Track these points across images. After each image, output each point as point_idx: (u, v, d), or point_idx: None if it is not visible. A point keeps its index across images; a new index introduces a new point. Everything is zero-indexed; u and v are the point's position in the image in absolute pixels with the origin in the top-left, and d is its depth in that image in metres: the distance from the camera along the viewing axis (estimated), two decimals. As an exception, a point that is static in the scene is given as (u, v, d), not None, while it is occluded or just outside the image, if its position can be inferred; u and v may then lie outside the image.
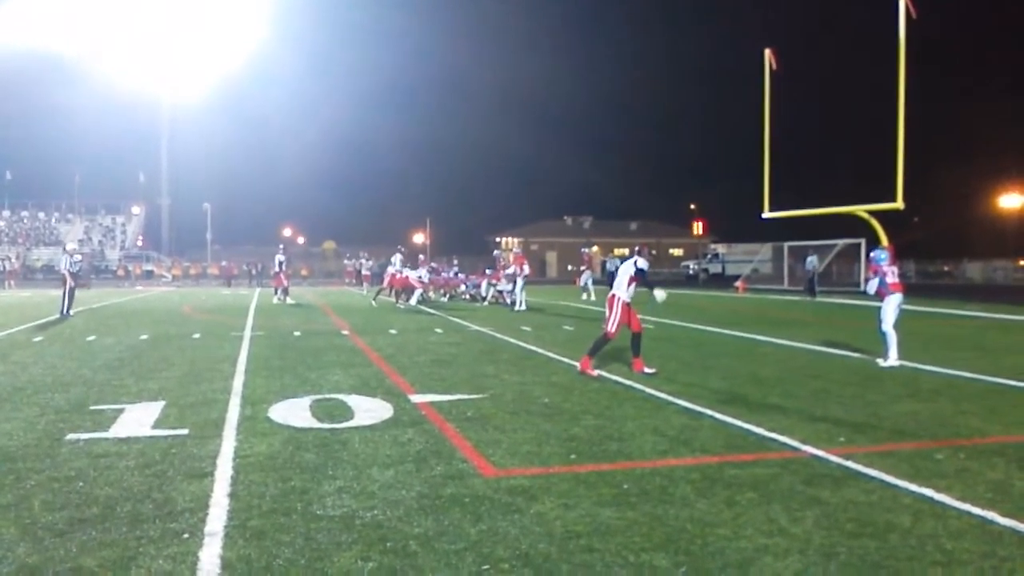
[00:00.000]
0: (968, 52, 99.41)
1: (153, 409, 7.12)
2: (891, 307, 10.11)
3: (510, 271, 22.29)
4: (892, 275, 10.25)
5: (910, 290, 12.83)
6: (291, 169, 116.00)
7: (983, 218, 66.26)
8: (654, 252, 9.95)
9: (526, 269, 21.93)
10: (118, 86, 61.75)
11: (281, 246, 28.60)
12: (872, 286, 10.34)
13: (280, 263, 24.88)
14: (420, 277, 22.45)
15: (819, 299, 27.37)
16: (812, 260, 30.16)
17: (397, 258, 24.46)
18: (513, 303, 21.69)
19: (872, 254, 10.67)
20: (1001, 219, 64.25)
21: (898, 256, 10.45)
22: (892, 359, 9.97)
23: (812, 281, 29.35)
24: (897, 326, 10.11)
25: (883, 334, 10.11)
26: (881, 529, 4.08)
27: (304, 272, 55.51)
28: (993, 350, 11.90)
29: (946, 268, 55.26)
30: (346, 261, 49.13)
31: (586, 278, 27.46)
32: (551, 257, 73.33)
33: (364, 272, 33.36)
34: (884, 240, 14.12)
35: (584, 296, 26.03)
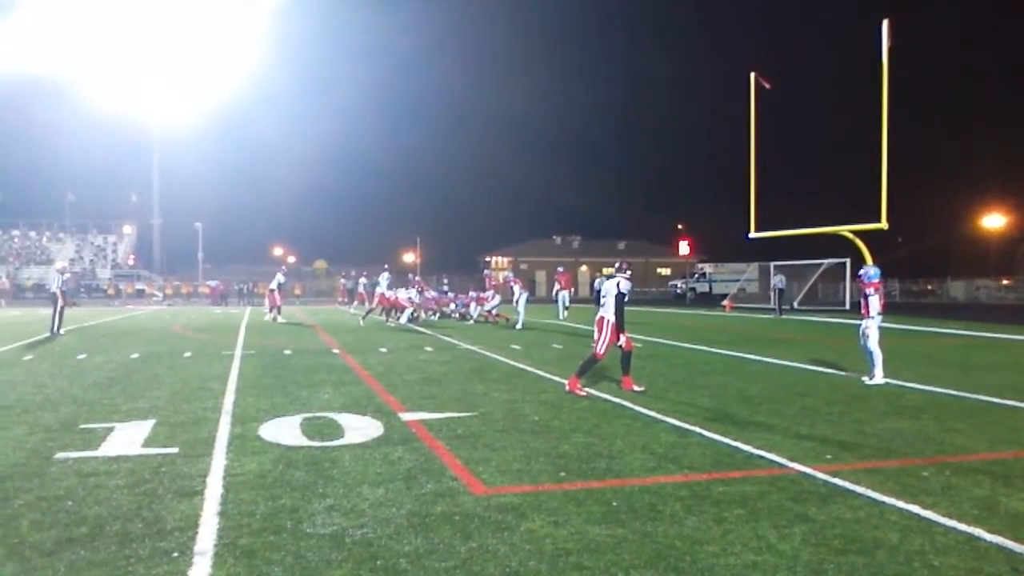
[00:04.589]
0: (952, 76, 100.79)
1: (143, 428, 7.09)
2: (875, 325, 10.19)
3: (515, 290, 22.82)
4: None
5: (895, 308, 12.89)
6: (283, 188, 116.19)
7: (966, 238, 67.05)
8: (630, 272, 9.95)
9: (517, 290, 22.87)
10: (110, 106, 61.51)
11: (283, 267, 29.40)
12: (875, 305, 10.13)
13: (280, 283, 25.21)
14: (410, 297, 22.46)
15: (784, 317, 28.52)
16: (779, 279, 31.44)
17: (384, 277, 24.59)
18: (506, 321, 22.51)
19: (861, 271, 10.51)
20: (984, 239, 65.03)
21: (883, 275, 10.50)
22: (878, 377, 10.04)
23: (779, 300, 30.69)
24: (880, 344, 10.20)
25: (868, 352, 10.18)
26: (869, 546, 4.11)
27: (297, 291, 55.42)
28: (976, 368, 12.00)
29: (929, 287, 55.79)
30: (342, 280, 49.25)
31: (563, 297, 27.53)
32: (540, 276, 73.39)
33: (359, 291, 33.70)
34: (869, 259, 14.21)
35: (562, 315, 26.08)
